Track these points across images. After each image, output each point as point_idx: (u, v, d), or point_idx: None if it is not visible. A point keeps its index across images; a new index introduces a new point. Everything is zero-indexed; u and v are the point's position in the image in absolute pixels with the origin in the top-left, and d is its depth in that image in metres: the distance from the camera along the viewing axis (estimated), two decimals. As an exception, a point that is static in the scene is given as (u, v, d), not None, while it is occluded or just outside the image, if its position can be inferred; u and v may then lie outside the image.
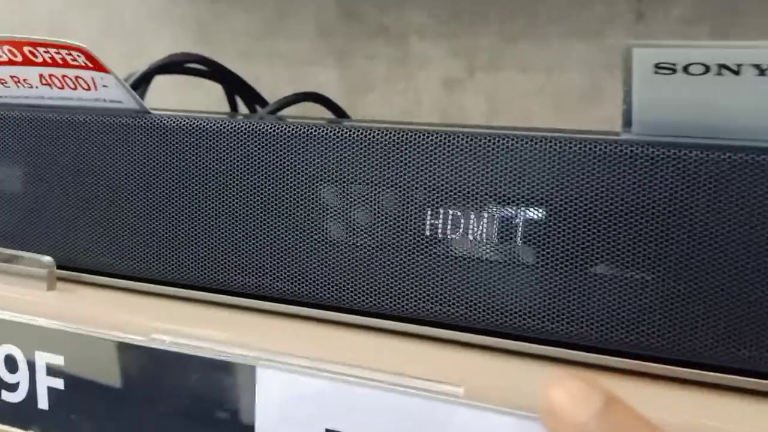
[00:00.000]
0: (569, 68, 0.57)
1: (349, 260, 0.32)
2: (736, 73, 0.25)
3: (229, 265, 0.34)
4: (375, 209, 0.32)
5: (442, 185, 0.31)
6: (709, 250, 0.27)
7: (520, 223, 0.30)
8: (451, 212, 0.31)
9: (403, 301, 0.31)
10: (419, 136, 0.31)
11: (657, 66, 0.25)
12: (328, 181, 0.32)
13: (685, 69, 0.25)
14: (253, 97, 0.55)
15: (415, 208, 0.31)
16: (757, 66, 0.24)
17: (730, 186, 0.27)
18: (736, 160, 0.26)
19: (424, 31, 0.60)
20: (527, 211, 0.29)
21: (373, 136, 0.31)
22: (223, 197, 0.34)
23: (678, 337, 0.28)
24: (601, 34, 0.56)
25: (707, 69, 0.25)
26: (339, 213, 0.32)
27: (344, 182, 0.32)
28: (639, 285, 0.28)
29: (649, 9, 0.55)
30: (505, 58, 0.58)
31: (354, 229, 0.32)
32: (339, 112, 0.54)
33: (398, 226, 0.31)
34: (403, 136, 0.31)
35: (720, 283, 0.27)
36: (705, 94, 0.26)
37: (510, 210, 0.30)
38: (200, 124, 0.34)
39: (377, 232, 0.32)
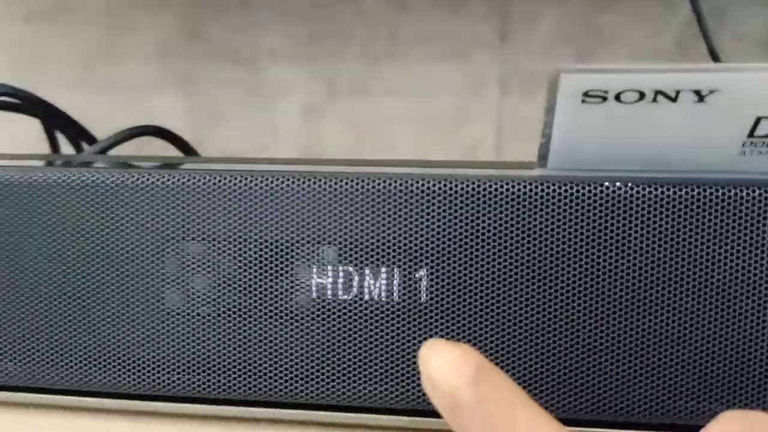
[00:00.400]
0: (435, 92, 0.54)
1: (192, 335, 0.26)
2: (673, 99, 0.22)
3: (39, 356, 0.27)
4: (227, 269, 0.26)
5: (322, 236, 0.25)
6: (634, 297, 0.24)
7: (424, 279, 0.26)
8: (342, 269, 0.26)
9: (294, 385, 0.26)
10: (281, 181, 0.25)
11: (586, 94, 0.22)
12: (167, 239, 0.26)
13: (617, 96, 0.22)
14: (78, 133, 0.46)
15: (287, 265, 0.26)
16: (696, 92, 0.21)
17: (664, 225, 0.24)
18: (671, 195, 0.24)
19: (278, 53, 0.54)
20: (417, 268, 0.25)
21: (221, 182, 0.26)
22: (24, 267, 0.26)
23: (609, 397, 0.25)
24: (466, 57, 0.53)
25: (642, 96, 0.22)
26: (177, 280, 0.26)
27: (186, 240, 0.26)
28: (558, 340, 0.25)
29: (513, 30, 0.53)
30: (368, 82, 0.54)
31: (196, 298, 0.26)
32: (185, 148, 0.47)
33: (267, 290, 0.26)
34: (261, 181, 0.25)
35: (652, 334, 0.24)
36: (636, 123, 0.23)
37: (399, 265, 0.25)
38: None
39: (236, 299, 0.26)
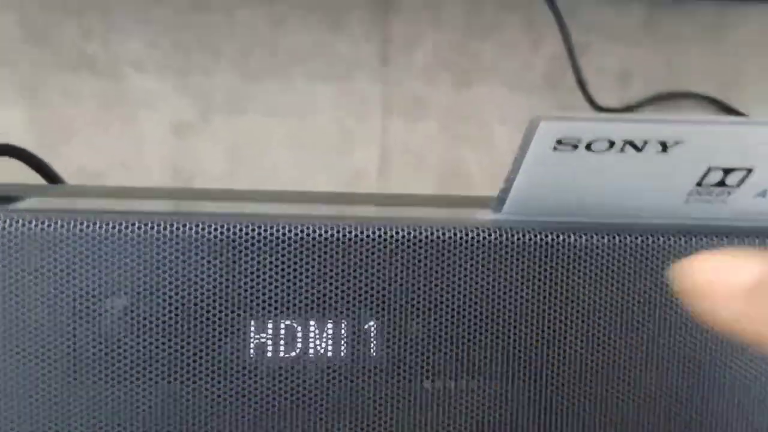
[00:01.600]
0: (317, 113, 0.52)
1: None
2: (640, 149, 0.22)
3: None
4: (146, 329, 0.22)
5: (259, 288, 0.23)
6: (591, 351, 0.24)
7: (372, 330, 0.24)
8: (283, 323, 0.23)
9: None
10: (208, 226, 0.22)
11: (559, 141, 0.21)
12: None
13: (588, 145, 0.22)
14: None
15: (219, 322, 0.23)
16: (662, 143, 0.22)
17: (611, 274, 0.24)
18: (617, 244, 0.24)
19: (143, 63, 0.50)
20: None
21: (131, 231, 0.22)
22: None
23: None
24: (348, 78, 0.52)
25: (611, 145, 0.22)
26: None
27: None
28: (512, 392, 0.24)
29: (394, 53, 0.52)
30: (244, 99, 0.51)
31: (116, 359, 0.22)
32: (44, 171, 0.41)
33: (197, 351, 0.23)
34: (179, 228, 0.22)
35: (608, 397, 0.24)
36: (600, 171, 0.23)
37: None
38: None
39: (163, 362, 0.23)
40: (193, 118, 0.50)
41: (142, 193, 0.32)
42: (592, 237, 0.23)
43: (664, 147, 0.22)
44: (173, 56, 0.50)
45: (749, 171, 0.23)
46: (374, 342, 0.24)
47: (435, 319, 0.23)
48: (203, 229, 0.22)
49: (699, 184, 0.23)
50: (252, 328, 0.23)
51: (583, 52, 0.55)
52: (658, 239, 0.24)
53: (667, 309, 0.24)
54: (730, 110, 0.58)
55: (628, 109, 0.55)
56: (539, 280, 0.23)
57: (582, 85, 0.53)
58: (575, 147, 0.21)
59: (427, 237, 0.23)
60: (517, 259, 0.23)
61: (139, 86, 0.50)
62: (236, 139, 0.51)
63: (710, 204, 0.24)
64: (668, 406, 0.24)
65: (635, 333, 0.24)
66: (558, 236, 0.23)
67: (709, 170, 0.23)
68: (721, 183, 0.24)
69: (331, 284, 0.23)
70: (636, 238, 0.24)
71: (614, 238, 0.24)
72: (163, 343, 0.22)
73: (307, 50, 0.51)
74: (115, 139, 0.50)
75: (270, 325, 0.23)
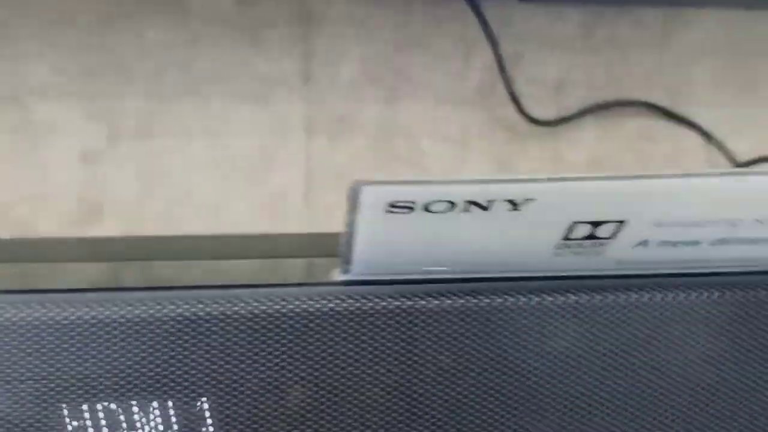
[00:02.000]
0: (235, 135, 0.49)
1: None
2: (486, 209, 0.19)
3: None
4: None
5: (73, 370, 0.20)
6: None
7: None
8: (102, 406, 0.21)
9: None
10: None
11: (391, 205, 0.19)
12: None
13: (426, 207, 0.19)
14: None
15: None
16: (510, 201, 0.19)
17: (464, 337, 0.22)
18: (472, 306, 0.21)
19: (47, 90, 0.47)
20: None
21: None
22: None
23: None
24: (268, 96, 0.49)
25: (452, 205, 0.19)
26: None
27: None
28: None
29: (317, 70, 0.50)
30: (157, 122, 0.48)
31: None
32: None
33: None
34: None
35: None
36: (448, 230, 0.20)
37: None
38: None
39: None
40: (101, 145, 0.48)
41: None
42: (441, 300, 0.21)
43: (514, 205, 0.19)
44: (79, 81, 0.47)
45: (621, 223, 0.21)
46: (209, 421, 0.21)
47: (273, 394, 0.21)
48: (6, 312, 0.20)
49: (566, 238, 0.21)
50: (65, 413, 0.21)
51: (517, 62, 0.52)
52: (514, 298, 0.22)
53: (525, 367, 0.22)
54: (676, 117, 0.56)
55: (564, 120, 0.53)
56: (385, 346, 0.21)
57: (513, 97, 0.50)
58: (411, 209, 0.19)
59: (250, 312, 0.20)
60: (362, 326, 0.21)
61: (44, 113, 0.47)
62: (148, 165, 0.48)
63: (584, 256, 0.22)
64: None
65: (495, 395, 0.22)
66: (405, 301, 0.21)
67: (573, 225, 0.21)
68: (592, 236, 0.21)
69: (153, 363, 0.20)
70: (487, 298, 0.21)
71: (465, 299, 0.21)
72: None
73: (223, 69, 0.49)
74: (20, 169, 0.47)
75: (86, 409, 0.21)
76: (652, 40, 0.54)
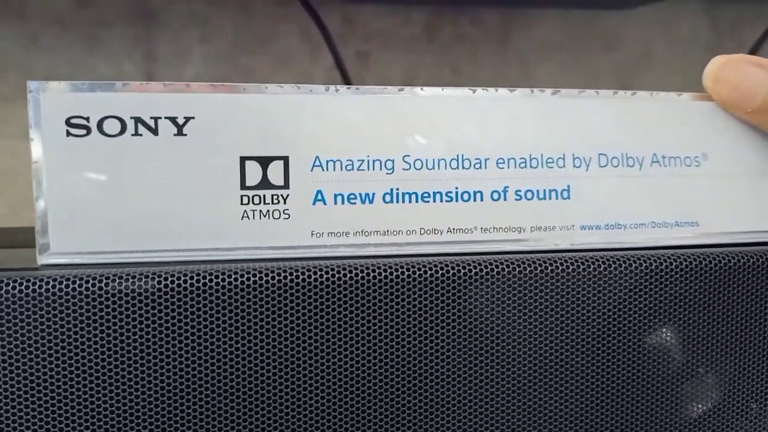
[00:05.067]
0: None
1: None
2: (154, 131, 0.20)
3: None
4: None
5: None
6: None
7: None
8: None
9: None
10: None
11: (70, 122, 0.19)
12: None
13: (100, 126, 0.20)
14: None
15: None
16: (172, 120, 0.20)
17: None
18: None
19: None
20: None
21: None
22: None
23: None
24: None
25: (123, 126, 0.20)
26: None
27: None
28: None
29: (159, 71, 0.51)
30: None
31: None
32: None
33: None
34: None
35: None
36: (136, 173, 0.20)
37: None
38: None
39: None
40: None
41: None
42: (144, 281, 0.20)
43: (178, 127, 0.20)
44: None
45: (286, 161, 0.20)
46: None
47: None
48: None
49: (245, 186, 0.20)
50: None
51: (364, 62, 0.54)
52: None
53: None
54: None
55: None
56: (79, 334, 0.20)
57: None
58: (87, 131, 0.19)
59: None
60: (58, 316, 0.18)
61: None
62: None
63: (274, 222, 0.20)
64: None
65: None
66: (96, 285, 0.18)
67: (244, 163, 0.20)
68: (267, 183, 0.20)
69: None
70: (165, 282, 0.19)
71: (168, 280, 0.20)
72: None
73: (64, 70, 0.49)
74: None
75: None
76: (495, 39, 0.57)
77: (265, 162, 0.20)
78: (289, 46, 0.53)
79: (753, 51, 0.59)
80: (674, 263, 0.22)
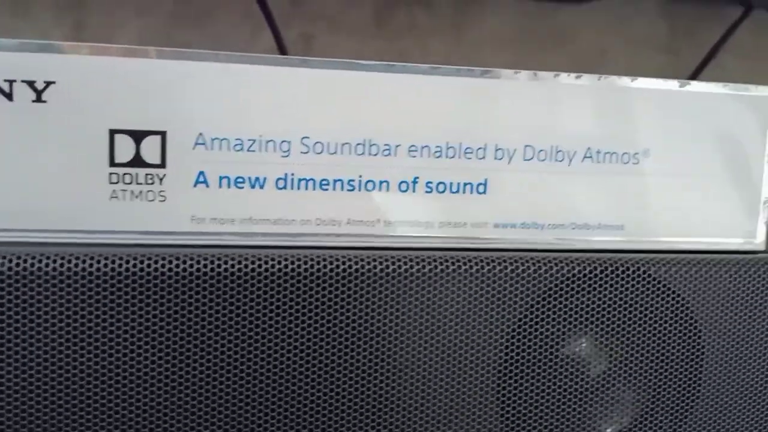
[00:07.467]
0: None
1: None
2: (9, 96, 0.18)
3: None
4: None
5: None
6: None
7: None
8: None
9: None
10: None
11: None
12: None
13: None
14: None
15: None
16: (30, 84, 0.17)
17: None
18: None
19: None
20: None
21: None
22: None
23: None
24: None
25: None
26: None
27: None
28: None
29: (89, 42, 0.48)
30: None
31: None
32: None
33: None
34: None
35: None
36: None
37: None
38: None
39: None
40: None
41: None
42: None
43: (37, 92, 0.17)
44: None
45: (163, 136, 0.18)
46: None
47: None
48: None
49: (114, 163, 0.18)
50: None
51: (307, 44, 0.52)
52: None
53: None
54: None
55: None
56: None
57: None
58: None
59: None
60: None
61: None
62: None
63: (147, 204, 0.18)
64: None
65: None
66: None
67: (113, 137, 0.18)
68: (140, 161, 0.18)
69: None
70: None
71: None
72: None
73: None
74: None
75: None
76: (447, 27, 0.55)
77: (138, 136, 0.18)
78: (229, 22, 0.50)
79: (710, 55, 0.58)
80: (588, 268, 0.20)
